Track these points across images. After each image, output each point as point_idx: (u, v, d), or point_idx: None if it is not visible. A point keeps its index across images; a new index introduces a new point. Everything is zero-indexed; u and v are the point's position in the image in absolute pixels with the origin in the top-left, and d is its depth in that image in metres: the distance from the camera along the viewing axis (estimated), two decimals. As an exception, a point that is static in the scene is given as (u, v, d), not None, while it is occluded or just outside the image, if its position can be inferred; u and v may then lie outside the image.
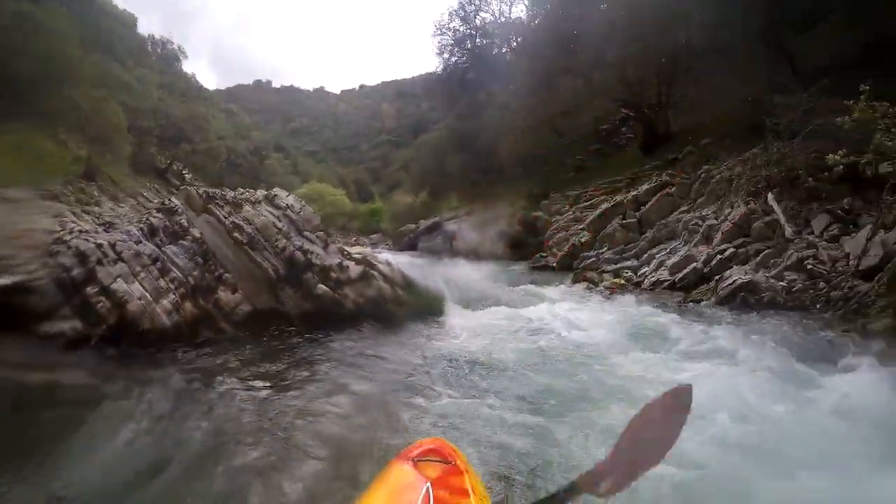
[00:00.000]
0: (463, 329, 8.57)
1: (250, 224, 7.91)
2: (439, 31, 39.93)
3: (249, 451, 4.46)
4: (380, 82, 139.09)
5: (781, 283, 10.85)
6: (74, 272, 6.57)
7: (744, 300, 10.84)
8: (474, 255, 23.91)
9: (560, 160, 29.19)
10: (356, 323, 8.09)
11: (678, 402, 1.97)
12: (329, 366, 6.53)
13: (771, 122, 13.83)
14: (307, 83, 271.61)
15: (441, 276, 13.08)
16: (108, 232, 7.60)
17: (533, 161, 28.75)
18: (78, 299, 6.44)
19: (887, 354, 6.76)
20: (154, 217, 7.62)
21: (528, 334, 8.41)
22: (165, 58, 55.48)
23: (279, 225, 8.15)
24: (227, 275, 7.36)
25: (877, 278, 9.39)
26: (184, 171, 34.34)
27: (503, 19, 39.36)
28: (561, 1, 30.22)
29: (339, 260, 8.49)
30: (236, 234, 7.67)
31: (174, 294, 6.91)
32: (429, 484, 1.45)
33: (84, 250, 6.74)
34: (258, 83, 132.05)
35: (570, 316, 9.87)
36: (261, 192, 8.97)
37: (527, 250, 22.78)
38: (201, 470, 4.24)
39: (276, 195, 8.92)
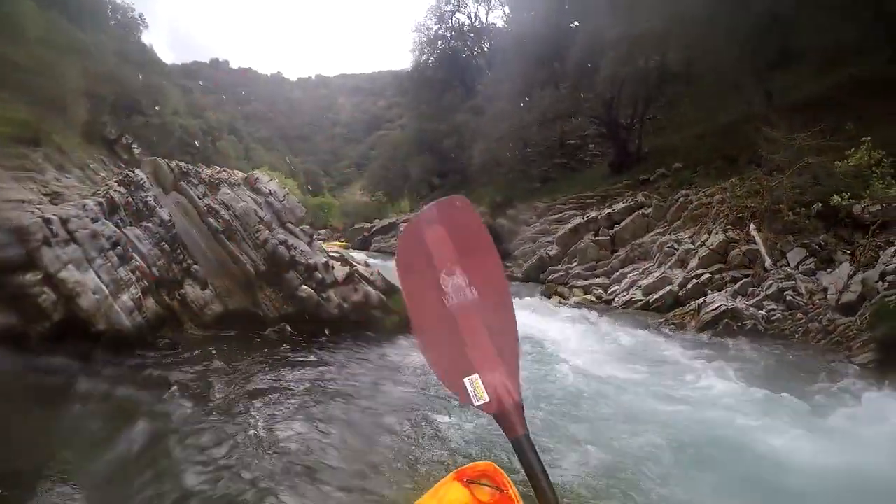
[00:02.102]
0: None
1: (228, 209, 6.82)
2: (416, 29, 39.23)
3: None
4: (337, 74, 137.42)
5: (761, 311, 10.89)
6: (10, 252, 5.27)
7: (727, 326, 10.74)
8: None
9: (524, 170, 28.81)
10: (340, 330, 7.19)
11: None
12: (312, 383, 5.67)
13: (766, 154, 13.74)
14: (264, 68, 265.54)
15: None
16: (55, 205, 6.42)
17: (497, 168, 28.22)
18: (12, 288, 5.20)
19: (876, 385, 7.16)
20: (115, 191, 6.39)
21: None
22: (125, 25, 52.62)
23: (261, 213, 7.09)
24: (196, 267, 6.36)
25: (859, 313, 9.57)
26: (133, 145, 32.31)
27: (479, 23, 38.82)
28: (542, 12, 29.86)
29: (324, 259, 7.54)
30: (211, 220, 6.62)
31: (136, 288, 5.88)
32: None
33: (26, 225, 5.42)
34: (215, 62, 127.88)
35: (552, 333, 9.39)
36: (240, 174, 7.84)
37: (486, 258, 22.26)
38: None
39: (258, 178, 7.77)
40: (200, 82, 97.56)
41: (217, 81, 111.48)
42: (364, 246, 30.13)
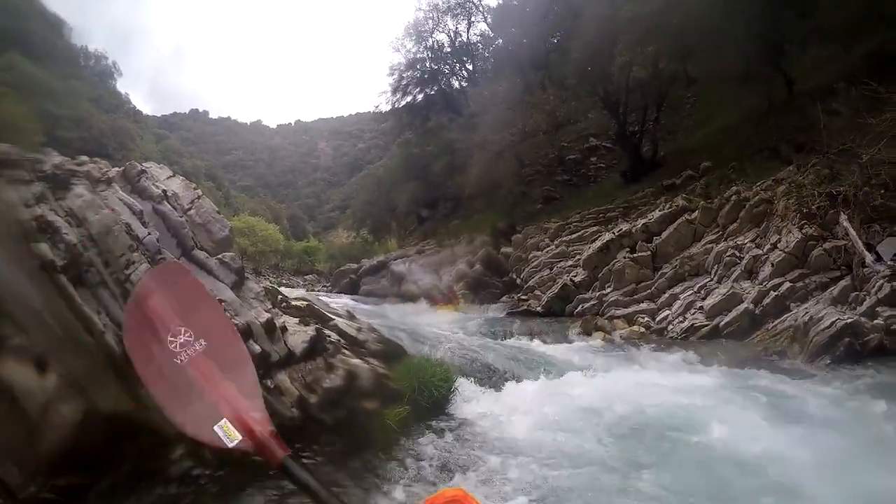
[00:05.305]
0: (504, 443, 4.70)
1: (78, 224, 3.58)
2: (394, 48, 36.76)
3: None
4: (316, 118, 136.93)
5: (878, 321, 8.48)
6: None
7: (849, 347, 8.21)
8: (429, 298, 20.36)
9: (523, 191, 26.30)
10: (304, 444, 3.89)
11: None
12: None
13: (867, 116, 10.85)
14: (244, 116, 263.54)
15: (407, 328, 9.59)
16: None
17: (494, 192, 25.57)
18: None
19: None
20: None
21: (609, 441, 4.72)
22: (99, 73, 52.04)
23: (138, 231, 3.75)
24: (19, 339, 3.18)
25: None
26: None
27: (459, 43, 36.49)
28: (525, 27, 27.92)
29: (266, 315, 4.24)
30: (43, 246, 3.37)
31: None
32: None
33: None
34: (194, 112, 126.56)
35: (628, 392, 6.24)
36: (117, 169, 4.46)
37: (491, 292, 19.50)
38: None
39: (144, 171, 4.42)
40: (181, 133, 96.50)
41: (197, 131, 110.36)
42: (353, 290, 26.95)
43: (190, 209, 4.31)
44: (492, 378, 6.85)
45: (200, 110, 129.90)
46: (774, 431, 4.87)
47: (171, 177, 4.57)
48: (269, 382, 3.80)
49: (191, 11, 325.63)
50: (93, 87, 42.97)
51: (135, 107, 66.03)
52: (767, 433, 4.79)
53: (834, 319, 8.51)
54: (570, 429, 4.97)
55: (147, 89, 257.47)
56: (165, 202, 4.10)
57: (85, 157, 4.15)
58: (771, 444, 4.48)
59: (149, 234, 3.68)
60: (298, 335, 4.34)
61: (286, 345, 4.16)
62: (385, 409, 4.36)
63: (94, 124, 34.05)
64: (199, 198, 4.45)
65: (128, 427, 3.56)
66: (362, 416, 4.14)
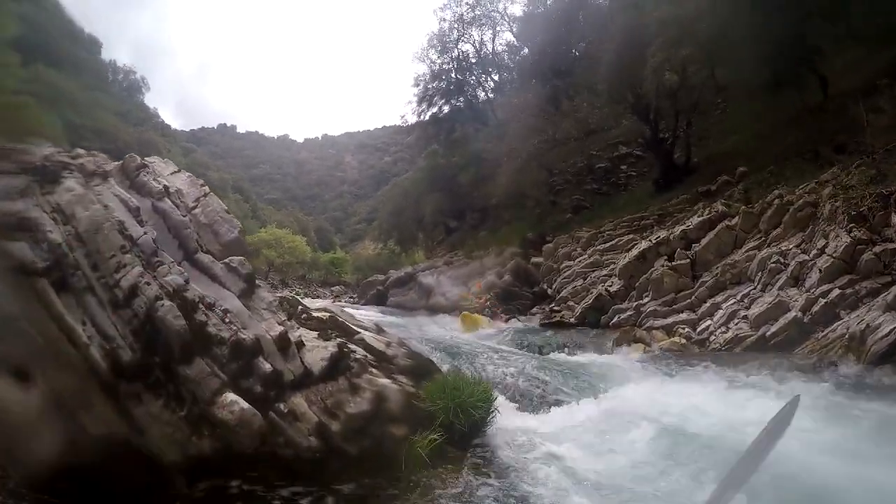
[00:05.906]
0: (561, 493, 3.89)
1: (64, 222, 3.15)
2: (418, 59, 36.60)
3: None
4: (343, 133, 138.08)
5: None
6: None
7: None
8: (458, 310, 19.82)
9: (552, 201, 25.80)
10: (323, 480, 3.35)
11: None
12: None
13: None
14: (271, 130, 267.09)
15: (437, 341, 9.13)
16: None
17: (522, 202, 25.09)
18: None
19: None
20: None
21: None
22: (128, 87, 53.07)
23: (133, 231, 3.33)
24: None
25: None
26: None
27: (484, 53, 36.17)
28: (551, 35, 27.48)
29: (279, 329, 3.80)
30: (21, 247, 2.98)
31: None
32: None
33: None
34: (222, 127, 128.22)
35: (709, 419, 5.51)
36: (116, 163, 4.04)
37: (521, 303, 18.97)
38: None
39: (143, 165, 3.95)
40: (209, 147, 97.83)
41: (225, 146, 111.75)
42: (380, 301, 26.51)
43: (195, 207, 3.88)
44: (536, 398, 6.28)
45: (228, 125, 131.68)
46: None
47: (175, 172, 4.17)
48: (281, 406, 3.35)
49: (217, 26, 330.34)
50: (121, 101, 43.47)
51: (163, 121, 67.26)
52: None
53: (893, 327, 7.97)
54: (640, 474, 4.23)
55: (175, 105, 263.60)
56: (167, 199, 3.69)
57: (81, 150, 3.79)
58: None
59: (145, 233, 3.29)
60: (317, 351, 3.89)
61: (302, 362, 3.72)
62: (415, 435, 3.88)
63: (119, 136, 34.20)
64: (205, 195, 4.02)
65: (119, 450, 3.17)
66: (390, 445, 3.65)
